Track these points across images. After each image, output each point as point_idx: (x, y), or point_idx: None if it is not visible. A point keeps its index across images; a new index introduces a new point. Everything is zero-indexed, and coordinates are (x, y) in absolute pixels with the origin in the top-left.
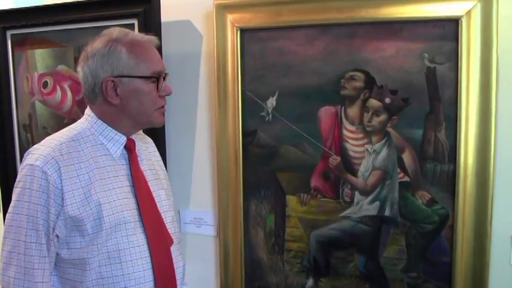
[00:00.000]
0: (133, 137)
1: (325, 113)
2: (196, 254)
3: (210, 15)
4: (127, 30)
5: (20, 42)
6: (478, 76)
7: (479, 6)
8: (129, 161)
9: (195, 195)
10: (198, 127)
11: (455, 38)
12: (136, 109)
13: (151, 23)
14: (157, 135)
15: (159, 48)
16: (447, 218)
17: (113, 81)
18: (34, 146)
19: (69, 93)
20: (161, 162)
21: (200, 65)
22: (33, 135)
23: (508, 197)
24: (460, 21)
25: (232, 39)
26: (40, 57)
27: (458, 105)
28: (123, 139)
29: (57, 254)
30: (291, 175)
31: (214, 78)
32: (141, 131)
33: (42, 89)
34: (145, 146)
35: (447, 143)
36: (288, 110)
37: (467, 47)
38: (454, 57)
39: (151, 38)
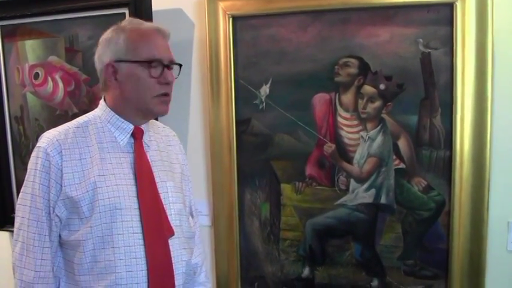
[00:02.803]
0: (151, 128)
1: (319, 100)
2: None
3: (201, 3)
4: (136, 20)
5: (10, 34)
6: (474, 61)
7: None
8: (134, 149)
9: None
10: (191, 116)
11: (450, 22)
12: (133, 95)
13: (142, 12)
14: None
15: None
16: (443, 204)
17: (112, 65)
18: (48, 130)
19: (60, 84)
20: (180, 157)
21: (192, 54)
22: (25, 127)
23: (505, 182)
24: (454, 5)
25: (224, 27)
26: (31, 49)
27: (454, 90)
28: (130, 127)
29: (60, 235)
30: (285, 163)
31: (206, 66)
32: (163, 125)
33: (33, 80)
34: (164, 139)
35: (443, 129)
36: (282, 97)
37: (462, 32)
38: (449, 42)
39: (157, 26)
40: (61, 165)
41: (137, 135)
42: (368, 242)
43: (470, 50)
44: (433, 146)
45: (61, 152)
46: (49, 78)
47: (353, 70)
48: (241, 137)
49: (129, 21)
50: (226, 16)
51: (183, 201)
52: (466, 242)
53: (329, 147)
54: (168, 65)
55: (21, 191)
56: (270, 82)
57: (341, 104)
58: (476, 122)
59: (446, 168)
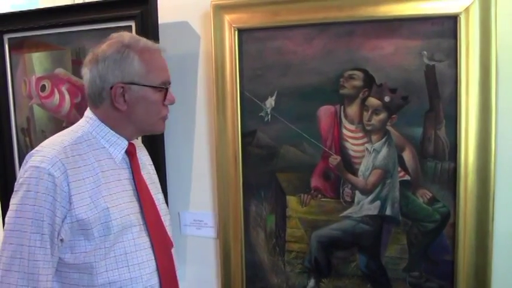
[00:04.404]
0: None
1: (325, 112)
2: (197, 256)
3: (207, 16)
4: (137, 36)
5: (18, 46)
6: (478, 73)
7: (477, 2)
8: (130, 165)
9: (195, 197)
10: (196, 128)
11: (454, 35)
12: (142, 117)
13: (148, 25)
14: (156, 137)
15: None
16: (448, 216)
17: (122, 87)
18: (36, 148)
19: (67, 97)
20: (153, 167)
21: (198, 66)
22: (32, 138)
23: (510, 194)
24: (458, 18)
25: (230, 40)
26: (37, 61)
27: (458, 102)
28: (125, 143)
29: (59, 258)
30: (291, 175)
31: (212, 79)
32: None
33: (40, 92)
34: (139, 151)
35: (447, 141)
36: (287, 110)
37: (466, 44)
38: (453, 55)
39: (161, 47)
40: (67, 187)
41: (132, 151)
42: (373, 253)
43: (474, 62)
44: (437, 158)
45: (66, 172)
46: (56, 91)
47: (358, 82)
48: (246, 149)
49: (129, 37)
50: (232, 29)
51: (168, 211)
52: (471, 253)
53: (334, 159)
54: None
55: (13, 215)
56: (275, 94)
57: (346, 116)
58: (481, 134)
59: (451, 180)
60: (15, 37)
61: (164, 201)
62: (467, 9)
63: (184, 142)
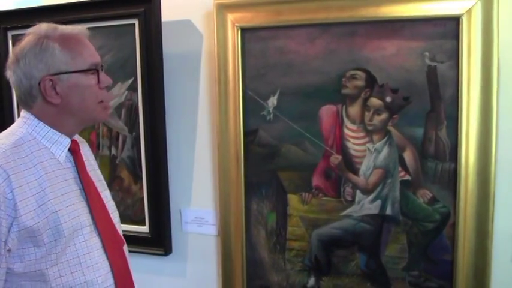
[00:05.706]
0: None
1: (326, 112)
2: (198, 254)
3: (210, 14)
4: (54, 24)
5: None
6: (479, 74)
7: (479, 4)
8: (75, 163)
9: (197, 194)
10: (199, 127)
11: (456, 36)
12: (79, 105)
13: (151, 23)
14: (158, 135)
15: (159, 47)
16: (448, 216)
17: (51, 79)
18: None
19: None
20: (96, 161)
21: (201, 65)
22: None
23: (510, 195)
24: (460, 19)
25: (233, 39)
26: None
27: (460, 103)
28: (67, 141)
29: (8, 268)
30: (292, 174)
31: (215, 77)
32: None
33: None
34: (82, 147)
35: (448, 142)
36: (289, 109)
37: (468, 46)
38: (455, 56)
39: (82, 30)
40: (11, 194)
41: (75, 149)
42: (373, 252)
43: (476, 64)
44: (438, 159)
45: (8, 178)
46: None
47: (360, 83)
48: (248, 148)
49: (46, 26)
50: (235, 28)
51: (116, 208)
52: (471, 254)
53: (335, 158)
54: (101, 68)
55: None
56: (277, 94)
57: (348, 116)
58: (482, 135)
59: (451, 180)
60: (19, 34)
61: (111, 198)
62: (469, 11)
63: (186, 140)
